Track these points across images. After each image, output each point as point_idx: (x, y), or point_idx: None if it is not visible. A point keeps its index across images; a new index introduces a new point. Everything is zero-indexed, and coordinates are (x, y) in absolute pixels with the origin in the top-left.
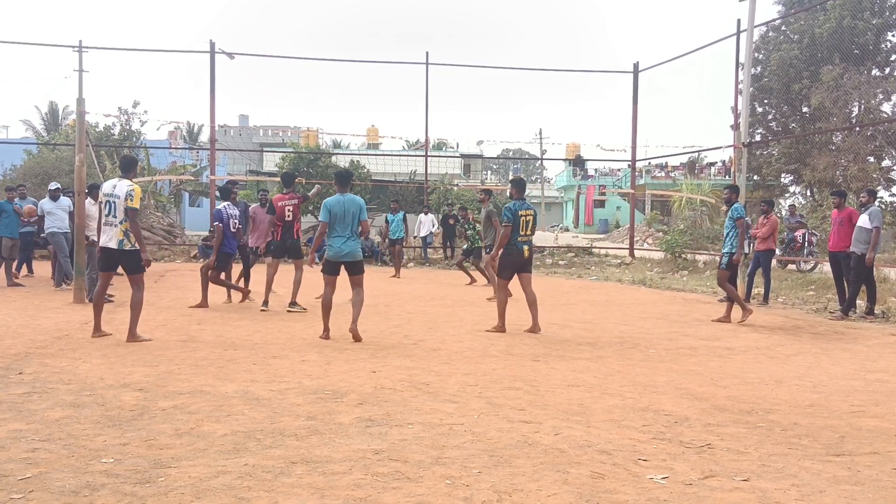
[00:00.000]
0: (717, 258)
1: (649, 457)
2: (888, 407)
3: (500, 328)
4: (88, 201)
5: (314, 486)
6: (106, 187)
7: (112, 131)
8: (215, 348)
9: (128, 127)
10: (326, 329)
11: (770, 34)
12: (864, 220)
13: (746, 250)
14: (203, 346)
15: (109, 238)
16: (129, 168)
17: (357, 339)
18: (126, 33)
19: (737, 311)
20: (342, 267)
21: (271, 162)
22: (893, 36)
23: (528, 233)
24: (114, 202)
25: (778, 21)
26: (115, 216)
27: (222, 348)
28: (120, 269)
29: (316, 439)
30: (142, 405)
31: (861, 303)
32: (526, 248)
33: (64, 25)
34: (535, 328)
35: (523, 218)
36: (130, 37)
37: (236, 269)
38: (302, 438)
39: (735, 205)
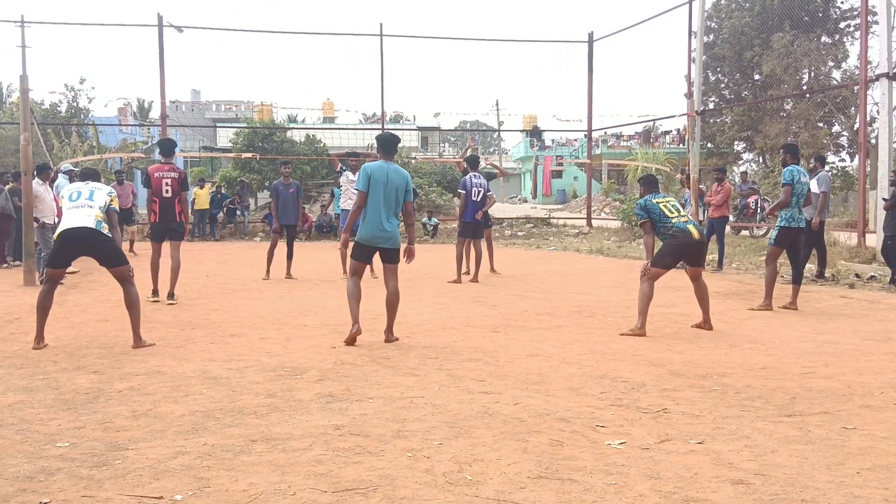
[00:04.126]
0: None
1: (607, 423)
2: (837, 368)
3: (640, 331)
4: (36, 181)
5: (275, 464)
6: (78, 184)
7: (59, 109)
8: (172, 328)
9: (75, 104)
10: (355, 321)
11: (722, 2)
12: (813, 186)
13: (701, 217)
14: (159, 326)
15: (85, 218)
16: (95, 176)
17: (392, 341)
18: (70, 7)
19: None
20: (376, 252)
21: (224, 138)
22: (842, 3)
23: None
24: (93, 190)
25: None
26: (92, 200)
27: (179, 328)
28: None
29: (276, 417)
30: (97, 388)
31: (811, 266)
32: (691, 227)
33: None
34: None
35: (662, 205)
36: (75, 10)
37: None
38: (262, 416)
39: (786, 168)
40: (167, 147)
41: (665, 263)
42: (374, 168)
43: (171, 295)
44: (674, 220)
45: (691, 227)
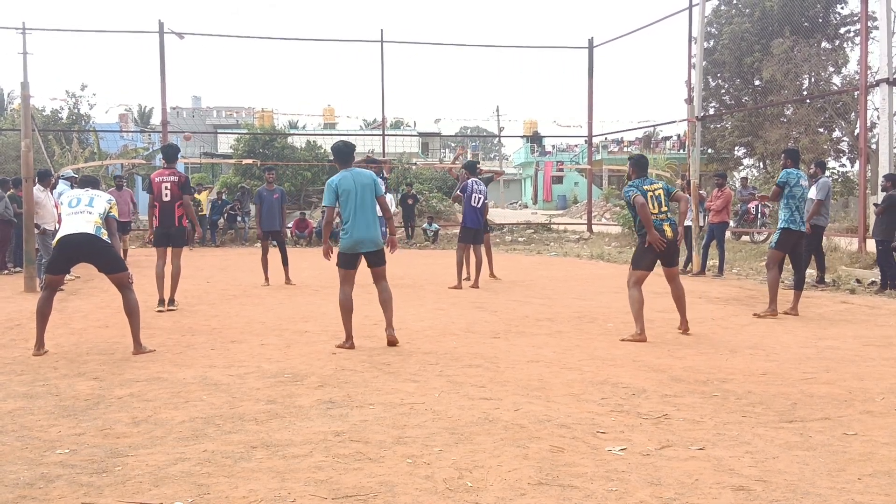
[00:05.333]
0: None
1: (608, 429)
2: (838, 373)
3: (640, 336)
4: (37, 188)
5: (275, 470)
6: (78, 191)
7: (60, 115)
8: (172, 334)
9: (76, 110)
10: (349, 336)
11: (722, 8)
12: (813, 192)
13: (701, 223)
14: (160, 333)
15: (84, 224)
16: (94, 184)
17: (394, 343)
18: (72, 14)
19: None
20: (361, 258)
21: (225, 144)
22: (842, 8)
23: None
24: (93, 197)
25: None
26: (91, 206)
27: (179, 334)
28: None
29: (276, 423)
30: (97, 394)
31: (812, 272)
32: (667, 225)
33: (5, 6)
34: (683, 325)
35: (651, 195)
36: (76, 17)
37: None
38: (262, 423)
39: (784, 171)
40: (169, 153)
41: (645, 265)
42: (338, 180)
43: (171, 301)
44: (651, 217)
45: (665, 226)
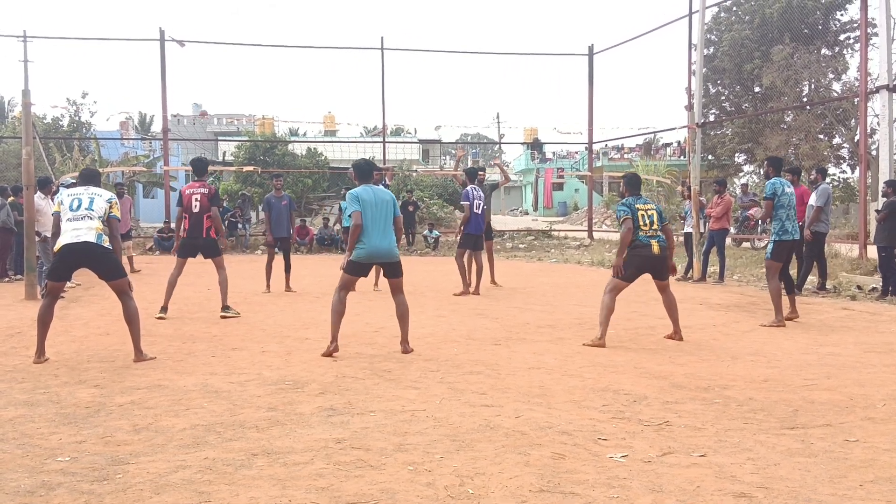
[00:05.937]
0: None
1: (609, 436)
2: (840, 380)
3: (600, 342)
4: (38, 195)
5: (276, 478)
6: (78, 189)
7: (61, 123)
8: (173, 341)
9: (77, 118)
10: (334, 338)
11: (722, 15)
12: (813, 199)
13: (702, 230)
14: (161, 340)
15: (86, 231)
16: (95, 179)
17: (409, 351)
18: (73, 22)
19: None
20: (373, 268)
21: (226, 151)
22: (842, 15)
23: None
24: (93, 198)
25: (729, 2)
26: (92, 209)
27: (180, 341)
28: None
29: (277, 430)
30: (98, 401)
31: (813, 278)
32: (654, 242)
33: (7, 14)
34: (675, 334)
35: (641, 213)
36: (77, 25)
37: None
38: (263, 430)
39: (769, 183)
40: (199, 167)
41: (626, 276)
42: (359, 191)
43: (225, 308)
44: (640, 234)
45: (654, 242)
